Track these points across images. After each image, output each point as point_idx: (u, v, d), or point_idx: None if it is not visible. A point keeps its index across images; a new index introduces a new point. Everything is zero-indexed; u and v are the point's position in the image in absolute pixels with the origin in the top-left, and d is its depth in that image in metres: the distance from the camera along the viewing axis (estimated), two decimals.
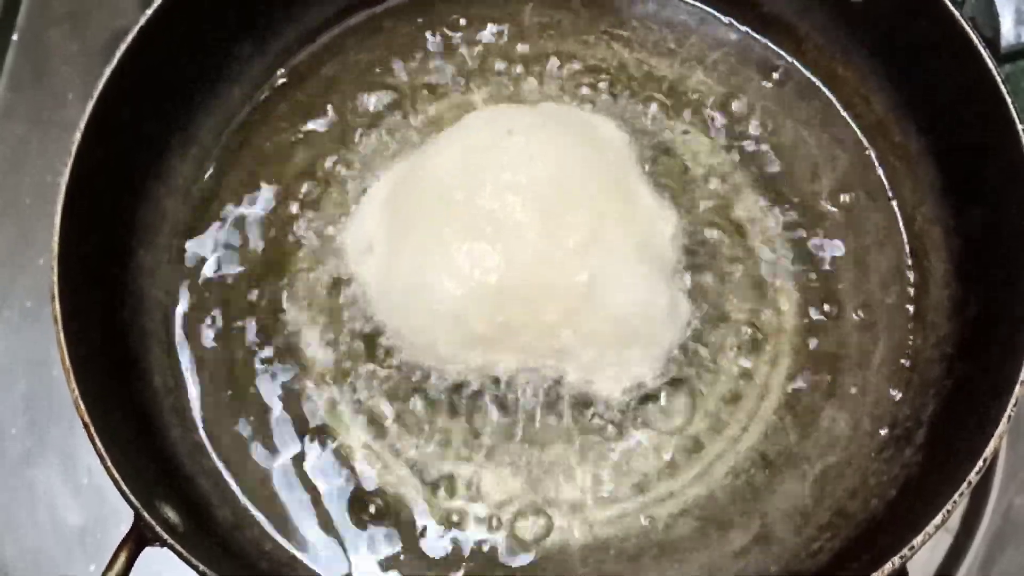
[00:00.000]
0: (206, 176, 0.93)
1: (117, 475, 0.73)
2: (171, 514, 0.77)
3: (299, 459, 0.85)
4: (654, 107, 0.94)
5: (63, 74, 1.05)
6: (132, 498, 0.73)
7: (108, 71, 0.83)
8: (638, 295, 0.85)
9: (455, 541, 0.83)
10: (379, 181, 0.92)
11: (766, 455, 0.85)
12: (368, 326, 0.87)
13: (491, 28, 0.97)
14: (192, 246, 0.91)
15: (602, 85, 0.95)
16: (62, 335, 0.76)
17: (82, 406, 0.75)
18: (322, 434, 0.85)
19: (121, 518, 0.87)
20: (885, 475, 0.83)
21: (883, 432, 0.85)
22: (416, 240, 0.86)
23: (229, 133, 0.94)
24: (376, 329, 0.87)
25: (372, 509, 0.84)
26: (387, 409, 0.86)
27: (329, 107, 0.95)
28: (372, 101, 0.95)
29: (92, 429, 0.74)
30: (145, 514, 0.73)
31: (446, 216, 0.85)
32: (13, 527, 0.92)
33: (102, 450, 0.74)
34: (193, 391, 0.87)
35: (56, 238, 0.79)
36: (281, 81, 0.96)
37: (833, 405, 0.86)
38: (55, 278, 0.78)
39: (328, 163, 0.93)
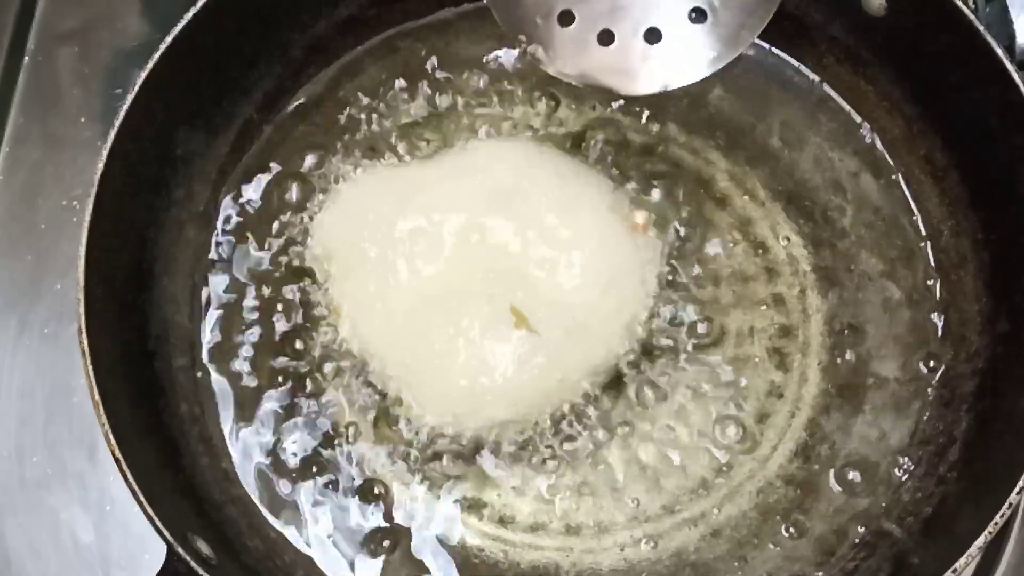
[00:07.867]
0: (227, 201, 0.92)
1: (151, 511, 0.72)
2: (203, 546, 0.76)
3: (328, 487, 0.84)
4: (671, 125, 0.93)
5: (75, 96, 1.04)
6: (166, 533, 0.72)
7: (131, 96, 0.81)
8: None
9: (486, 567, 0.83)
10: (382, 213, 0.88)
11: (796, 474, 0.85)
12: (378, 376, 0.86)
13: (504, 52, 0.95)
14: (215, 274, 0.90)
15: (615, 104, 0.93)
16: (90, 368, 0.75)
17: (112, 440, 0.73)
18: (352, 463, 0.85)
19: (146, 546, 0.87)
20: (920, 492, 0.83)
21: (915, 449, 0.85)
22: (397, 301, 0.86)
23: (249, 156, 0.93)
24: (388, 384, 0.86)
25: (403, 537, 0.83)
26: (412, 438, 0.85)
27: (346, 130, 0.93)
28: (389, 123, 0.94)
29: (124, 464, 0.73)
30: (179, 549, 0.72)
31: (429, 277, 0.85)
32: (36, 555, 0.91)
33: (135, 485, 0.72)
34: (220, 419, 0.86)
35: (82, 267, 0.77)
36: (299, 103, 0.94)
37: (863, 421, 0.86)
38: (81, 310, 0.76)
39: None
